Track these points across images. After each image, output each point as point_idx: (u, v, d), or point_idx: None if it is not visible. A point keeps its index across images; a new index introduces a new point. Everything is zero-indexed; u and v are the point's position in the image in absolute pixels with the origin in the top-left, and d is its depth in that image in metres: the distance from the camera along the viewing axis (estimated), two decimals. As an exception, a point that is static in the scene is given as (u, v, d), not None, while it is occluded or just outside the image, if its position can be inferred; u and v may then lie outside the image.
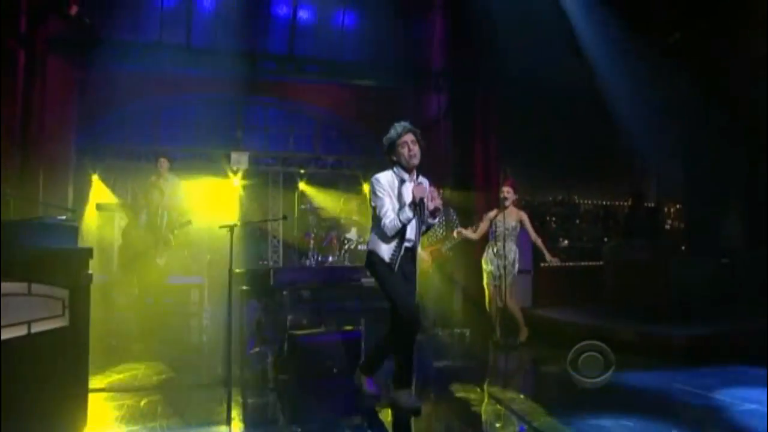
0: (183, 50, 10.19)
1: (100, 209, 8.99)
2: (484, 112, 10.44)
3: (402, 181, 4.73)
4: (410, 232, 4.72)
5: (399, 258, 4.67)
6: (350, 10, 11.74)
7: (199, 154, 11.04)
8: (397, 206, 4.64)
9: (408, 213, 4.55)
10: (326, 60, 11.17)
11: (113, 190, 10.55)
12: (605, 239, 11.85)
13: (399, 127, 4.75)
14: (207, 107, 11.11)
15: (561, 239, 11.60)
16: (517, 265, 7.65)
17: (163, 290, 8.21)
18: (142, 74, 10.25)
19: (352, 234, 10.08)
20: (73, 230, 3.97)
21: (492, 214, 7.58)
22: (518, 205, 7.86)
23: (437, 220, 4.93)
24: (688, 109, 11.13)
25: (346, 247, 9.62)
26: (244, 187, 11.39)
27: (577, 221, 12.45)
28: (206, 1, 10.67)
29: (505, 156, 11.17)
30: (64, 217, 4.13)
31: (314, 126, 12.25)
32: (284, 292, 6.05)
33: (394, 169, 4.79)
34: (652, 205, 12.08)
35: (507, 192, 7.60)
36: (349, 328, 6.10)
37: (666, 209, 12.80)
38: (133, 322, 7.76)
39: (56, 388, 3.62)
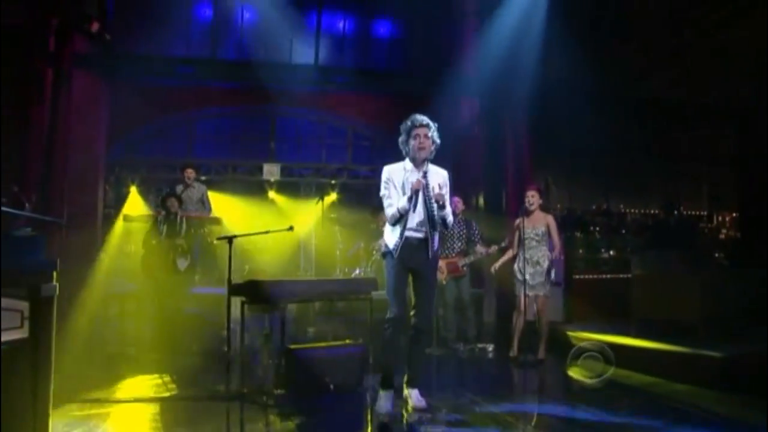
0: (215, 63, 10.26)
1: (126, 220, 9.09)
2: (516, 117, 10.08)
3: (410, 172, 4.83)
4: (415, 221, 4.73)
5: (400, 246, 4.73)
6: (382, 20, 11.62)
7: (232, 166, 11.10)
8: (399, 196, 4.76)
9: (404, 203, 4.66)
10: (358, 69, 11.06)
11: (147, 200, 10.73)
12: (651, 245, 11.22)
13: (416, 119, 4.90)
14: (240, 119, 11.16)
15: (603, 250, 11.05)
16: (552, 273, 7.22)
17: (184, 301, 8.21)
18: (175, 87, 10.41)
19: (383, 242, 9.91)
20: (39, 242, 3.92)
21: (519, 221, 7.19)
22: (545, 209, 7.44)
23: (446, 211, 4.82)
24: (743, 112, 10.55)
25: (374, 257, 9.45)
26: (277, 198, 11.38)
27: (623, 231, 11.87)
28: (237, 15, 10.72)
29: (542, 163, 10.86)
30: (29, 229, 4.09)
31: (346, 136, 12.15)
32: (288, 306, 5.90)
33: (405, 159, 4.94)
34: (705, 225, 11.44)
35: (532, 196, 7.20)
36: (350, 342, 5.89)
37: (719, 218, 12.11)
38: (152, 331, 7.77)
39: (12, 405, 3.54)
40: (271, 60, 10.31)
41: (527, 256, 7.00)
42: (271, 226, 11.35)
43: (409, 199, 4.66)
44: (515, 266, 7.24)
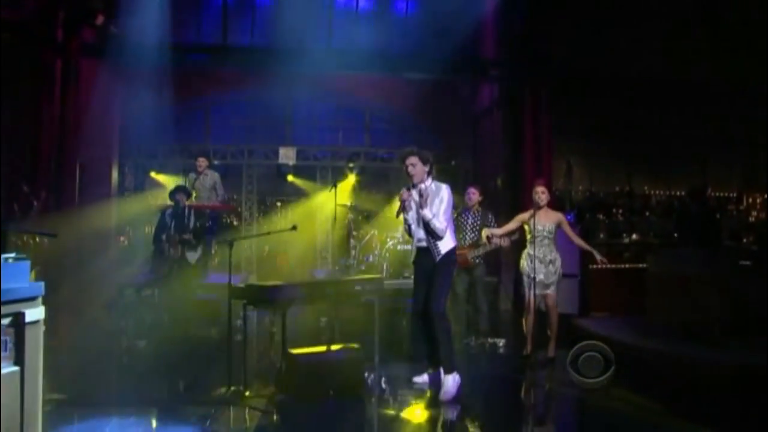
0: (227, 49, 10.13)
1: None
2: (536, 100, 9.81)
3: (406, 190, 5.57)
4: (418, 232, 5.58)
5: (414, 255, 5.76)
6: (401, 1, 11.30)
7: (249, 151, 11.06)
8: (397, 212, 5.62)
9: (398, 213, 5.57)
10: (376, 52, 10.78)
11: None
12: (675, 234, 10.89)
13: (404, 151, 5.67)
14: (255, 103, 11.05)
15: (625, 235, 10.74)
16: (561, 273, 7.04)
17: (196, 292, 8.24)
18: (189, 74, 10.31)
19: (398, 232, 9.82)
20: (23, 267, 3.89)
21: (525, 216, 6.95)
22: (553, 206, 7.18)
23: (425, 213, 5.39)
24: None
25: (388, 245, 9.37)
26: (293, 182, 11.33)
27: (647, 213, 11.55)
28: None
29: (564, 145, 10.61)
30: (13, 254, 4.06)
31: (364, 119, 11.98)
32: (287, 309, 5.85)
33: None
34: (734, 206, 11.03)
35: (542, 192, 6.93)
36: (353, 346, 5.84)
37: (749, 200, 11.70)
38: (164, 324, 7.83)
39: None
40: (284, 45, 10.11)
41: (540, 255, 6.79)
42: (290, 212, 11.64)
43: (398, 212, 5.55)
44: (524, 264, 7.03)
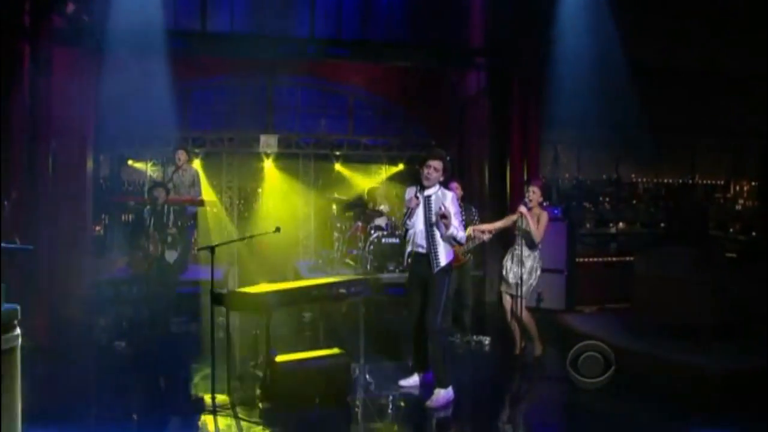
0: (205, 36, 9.74)
1: (116, 200, 8.88)
2: (523, 88, 9.59)
3: (417, 192, 5.46)
4: (418, 238, 5.44)
5: (407, 259, 5.70)
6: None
7: (228, 138, 10.74)
8: (404, 218, 5.54)
9: (405, 220, 5.50)
10: (360, 39, 10.48)
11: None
12: (662, 224, 10.82)
13: (432, 151, 5.69)
14: (235, 89, 10.70)
15: (611, 224, 10.65)
16: (536, 274, 6.84)
17: (176, 289, 8.00)
18: (169, 58, 9.91)
19: (382, 221, 9.63)
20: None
21: (513, 217, 6.76)
22: (541, 204, 6.98)
23: (451, 231, 5.27)
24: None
25: (373, 237, 9.17)
26: (275, 171, 11.05)
27: (634, 202, 11.45)
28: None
29: (552, 133, 10.42)
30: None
31: (347, 105, 11.66)
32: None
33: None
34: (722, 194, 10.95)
35: (533, 192, 6.74)
36: (338, 351, 5.66)
37: (737, 187, 11.63)
38: (145, 324, 7.59)
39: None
40: (264, 33, 9.78)
41: (514, 254, 6.66)
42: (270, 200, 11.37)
43: (405, 215, 5.48)
44: (504, 262, 6.90)
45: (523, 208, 6.57)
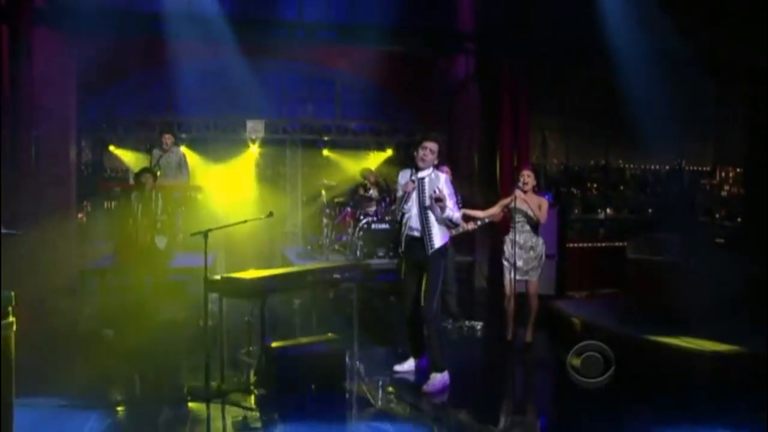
0: (191, 19, 9.50)
1: (101, 187, 8.70)
2: (513, 74, 9.54)
3: (412, 175, 5.40)
4: (412, 221, 5.39)
5: (402, 243, 5.51)
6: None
7: (214, 124, 10.57)
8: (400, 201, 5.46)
9: (401, 204, 5.41)
10: (346, 24, 10.30)
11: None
12: (650, 210, 10.87)
13: (428, 133, 5.70)
14: (222, 73, 10.48)
15: (600, 210, 10.66)
16: (543, 258, 6.87)
17: (165, 276, 7.86)
18: (151, 41, 9.70)
19: (371, 208, 9.55)
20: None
21: (508, 200, 6.72)
22: (536, 189, 6.95)
23: (447, 213, 5.27)
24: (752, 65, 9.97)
25: (362, 223, 9.09)
26: (262, 156, 10.90)
27: (621, 188, 11.48)
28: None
29: (540, 119, 10.41)
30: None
31: (334, 90, 11.51)
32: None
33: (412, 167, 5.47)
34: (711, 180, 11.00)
35: (527, 176, 6.72)
36: (332, 336, 5.60)
37: (723, 174, 11.69)
38: (131, 312, 7.45)
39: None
40: (251, 16, 9.59)
41: (520, 240, 6.61)
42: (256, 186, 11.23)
43: (401, 200, 5.41)
44: (504, 248, 6.86)
45: (519, 192, 6.55)
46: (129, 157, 10.81)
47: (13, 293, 3.56)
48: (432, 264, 5.34)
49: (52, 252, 8.00)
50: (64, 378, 5.63)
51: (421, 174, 5.36)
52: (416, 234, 5.37)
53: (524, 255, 6.64)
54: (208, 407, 4.91)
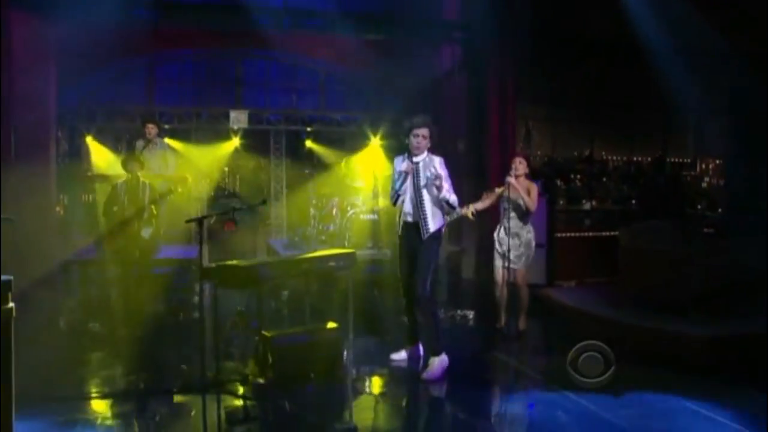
0: (172, 6, 9.31)
1: (86, 180, 8.46)
2: (500, 63, 9.51)
3: (407, 161, 5.39)
4: (407, 206, 5.43)
5: (400, 228, 5.55)
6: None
7: (196, 114, 10.37)
8: (397, 184, 5.45)
9: (397, 188, 5.43)
10: (331, 12, 10.17)
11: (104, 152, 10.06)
12: (633, 201, 10.93)
13: (415, 121, 5.42)
14: (204, 63, 10.31)
15: (584, 201, 10.69)
16: (533, 245, 6.86)
17: (151, 268, 7.69)
18: (132, 29, 9.46)
19: (357, 199, 9.46)
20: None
21: (501, 189, 6.69)
22: (529, 177, 6.93)
23: (444, 194, 5.28)
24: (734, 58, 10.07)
25: (349, 214, 9.02)
26: (245, 147, 10.73)
27: (604, 179, 11.52)
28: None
29: (526, 109, 10.40)
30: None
31: (319, 80, 11.37)
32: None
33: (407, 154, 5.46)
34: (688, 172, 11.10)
35: (519, 163, 6.72)
36: (331, 325, 5.52)
37: (704, 165, 11.82)
38: (117, 303, 7.26)
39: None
40: (235, 2, 9.39)
41: (509, 226, 6.61)
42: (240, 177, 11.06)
43: (397, 184, 5.41)
44: (495, 236, 6.85)
45: (511, 179, 6.53)
46: (101, 152, 10.43)
47: (12, 278, 3.43)
48: (426, 248, 5.34)
49: (32, 244, 7.76)
50: (55, 372, 5.47)
51: (415, 159, 5.37)
52: (411, 219, 5.40)
53: (511, 241, 6.63)
54: (204, 398, 4.78)
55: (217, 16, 9.32)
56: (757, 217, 8.79)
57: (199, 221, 5.21)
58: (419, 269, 5.32)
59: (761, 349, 5.30)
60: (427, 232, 5.33)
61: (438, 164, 5.35)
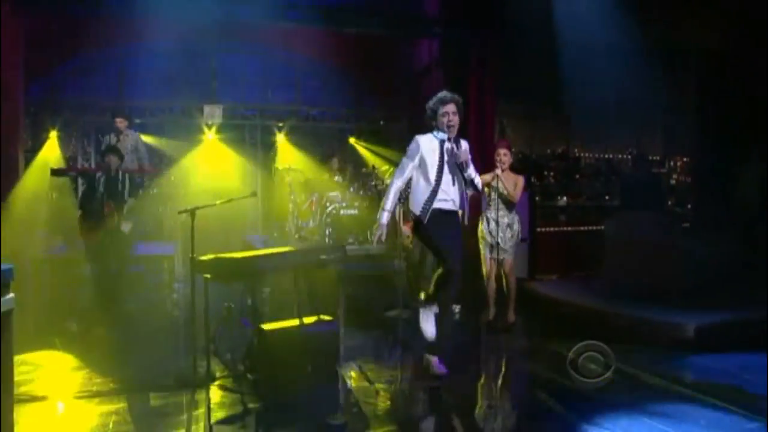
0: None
1: (56, 174, 8.13)
2: (478, 60, 9.50)
3: (441, 144, 4.93)
4: (446, 191, 4.86)
5: (429, 210, 4.84)
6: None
7: (169, 108, 10.10)
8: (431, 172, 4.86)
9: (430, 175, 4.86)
10: (308, 4, 10.02)
11: (72, 147, 9.71)
12: (606, 197, 11.12)
13: (445, 96, 4.96)
14: (177, 55, 10.00)
15: (559, 197, 10.81)
16: (520, 236, 6.90)
17: (129, 264, 7.44)
18: (102, 19, 9.15)
19: (336, 194, 9.33)
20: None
21: (488, 177, 6.67)
22: (515, 168, 6.96)
23: (477, 178, 5.07)
24: (702, 55, 10.33)
25: (329, 209, 8.89)
26: (219, 143, 10.50)
27: (577, 176, 11.68)
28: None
29: (502, 106, 10.43)
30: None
31: (295, 75, 11.19)
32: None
33: (434, 133, 5.01)
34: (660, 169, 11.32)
35: (504, 154, 6.72)
36: (326, 318, 5.40)
37: (672, 163, 12.07)
38: (96, 302, 6.99)
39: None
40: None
41: (496, 217, 6.60)
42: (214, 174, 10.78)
43: (436, 169, 4.87)
44: (483, 228, 6.84)
45: (499, 171, 6.54)
46: (55, 149, 9.99)
47: (13, 266, 3.25)
48: (459, 239, 5.05)
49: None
50: (39, 371, 5.24)
51: (448, 139, 4.93)
52: (449, 206, 4.90)
53: (501, 234, 6.64)
54: (195, 394, 4.69)
55: (189, 7, 9.06)
56: (725, 212, 9.05)
57: (192, 212, 5.07)
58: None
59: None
60: (468, 220, 5.06)
61: (466, 148, 4.97)
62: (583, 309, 6.67)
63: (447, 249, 4.88)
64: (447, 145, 4.91)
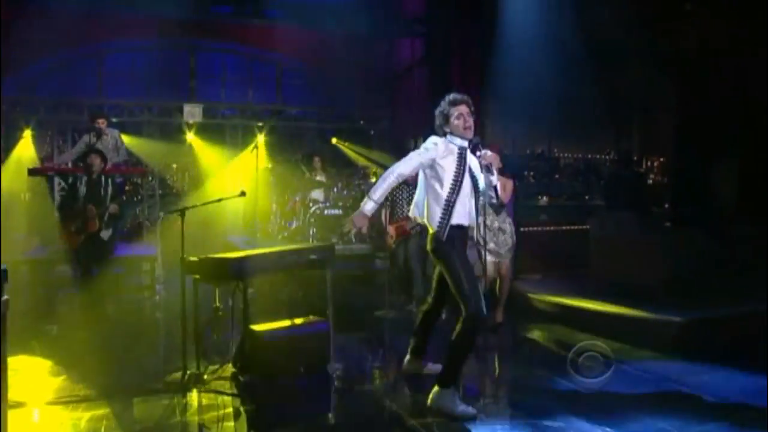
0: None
1: (33, 174, 7.95)
2: (461, 59, 9.53)
3: (460, 150, 4.32)
4: (464, 203, 4.33)
5: (447, 227, 4.26)
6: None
7: (149, 107, 9.94)
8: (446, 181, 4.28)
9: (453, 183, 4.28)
10: (290, 2, 9.96)
11: (46, 146, 9.51)
12: (586, 197, 11.22)
13: (456, 97, 4.43)
14: (156, 53, 9.88)
15: (540, 197, 10.87)
16: (514, 238, 6.89)
17: (110, 266, 7.29)
18: (81, 15, 8.96)
19: (318, 195, 9.29)
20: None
21: None
22: (504, 172, 6.96)
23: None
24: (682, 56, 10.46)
25: (312, 210, 8.84)
26: (200, 142, 10.37)
27: (557, 176, 11.77)
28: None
29: (482, 105, 10.46)
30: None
31: (276, 74, 11.12)
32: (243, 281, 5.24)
33: (448, 137, 4.38)
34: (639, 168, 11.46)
35: (494, 158, 6.71)
36: (315, 318, 5.36)
37: (649, 163, 12.22)
38: (77, 305, 6.84)
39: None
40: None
41: (489, 223, 6.60)
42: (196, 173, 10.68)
43: (456, 179, 4.28)
44: (474, 234, 6.82)
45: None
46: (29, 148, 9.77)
47: (5, 267, 3.16)
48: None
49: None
50: (23, 375, 5.10)
51: (463, 144, 4.33)
52: (467, 222, 4.38)
53: (495, 238, 6.63)
54: (186, 396, 4.59)
55: (169, 4, 8.95)
56: (702, 211, 9.19)
57: (181, 212, 5.00)
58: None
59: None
60: (470, 239, 4.54)
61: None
62: (569, 307, 6.70)
63: (471, 283, 4.18)
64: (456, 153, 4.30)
